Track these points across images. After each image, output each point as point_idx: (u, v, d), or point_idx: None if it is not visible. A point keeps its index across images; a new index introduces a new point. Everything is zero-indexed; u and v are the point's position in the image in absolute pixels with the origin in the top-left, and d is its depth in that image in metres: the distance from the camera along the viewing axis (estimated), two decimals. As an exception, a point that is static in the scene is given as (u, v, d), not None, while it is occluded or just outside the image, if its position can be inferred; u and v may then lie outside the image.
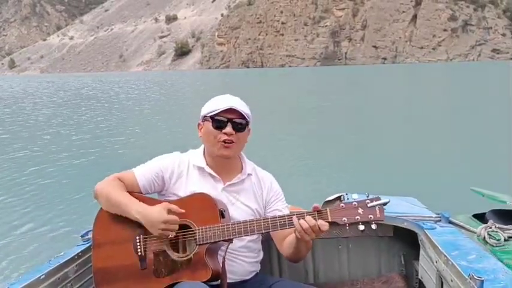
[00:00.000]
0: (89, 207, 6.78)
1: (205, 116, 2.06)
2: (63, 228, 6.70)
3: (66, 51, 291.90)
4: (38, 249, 5.98)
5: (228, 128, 2.01)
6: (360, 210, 1.81)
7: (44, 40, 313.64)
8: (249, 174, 2.16)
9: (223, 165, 2.11)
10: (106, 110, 27.35)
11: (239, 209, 2.08)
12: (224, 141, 2.02)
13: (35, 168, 11.17)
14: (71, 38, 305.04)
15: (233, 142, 2.03)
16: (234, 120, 2.02)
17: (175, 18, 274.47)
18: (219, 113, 2.01)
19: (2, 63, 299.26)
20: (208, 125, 2.04)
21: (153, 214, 1.89)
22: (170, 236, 1.89)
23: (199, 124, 2.12)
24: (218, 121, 2.01)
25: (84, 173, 10.21)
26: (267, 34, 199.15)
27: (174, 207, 1.90)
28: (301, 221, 1.82)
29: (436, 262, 2.12)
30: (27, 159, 12.53)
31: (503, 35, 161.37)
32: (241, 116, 2.03)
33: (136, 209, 1.93)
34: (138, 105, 29.84)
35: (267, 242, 2.44)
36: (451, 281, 1.91)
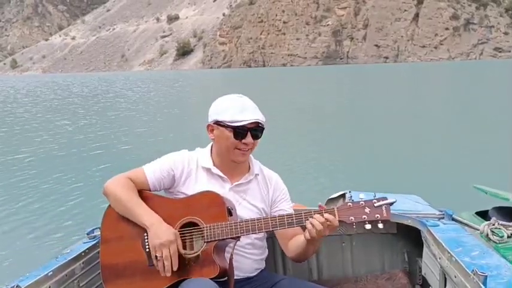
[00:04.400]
0: (94, 205, 6.91)
1: (220, 122, 2.04)
2: (69, 226, 6.77)
3: (68, 51, 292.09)
4: (45, 246, 6.05)
5: (249, 138, 2.02)
6: (367, 210, 1.83)
7: (46, 40, 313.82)
8: (256, 175, 2.18)
9: (232, 166, 2.13)
10: (111, 108, 27.41)
11: (245, 208, 2.10)
12: (241, 149, 2.04)
13: (40, 165, 11.25)
14: (73, 38, 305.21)
15: (249, 149, 2.07)
16: (253, 129, 2.02)
17: (177, 17, 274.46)
18: (243, 125, 2.00)
19: (4, 63, 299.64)
20: (227, 132, 2.03)
21: (165, 230, 1.90)
22: (158, 255, 1.87)
23: (209, 125, 2.10)
24: (239, 131, 2.01)
25: (90, 171, 10.26)
26: (268, 33, 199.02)
27: (179, 241, 1.90)
28: (312, 219, 1.86)
29: (440, 259, 2.13)
30: (32, 156, 12.60)
31: (506, 33, 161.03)
32: (259, 124, 2.04)
33: (146, 217, 1.95)
34: (142, 103, 29.91)
35: (271, 240, 2.46)
36: (455, 277, 1.91)
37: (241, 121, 1.99)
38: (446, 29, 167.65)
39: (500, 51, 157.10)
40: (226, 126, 2.02)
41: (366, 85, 44.05)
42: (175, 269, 1.88)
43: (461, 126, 15.38)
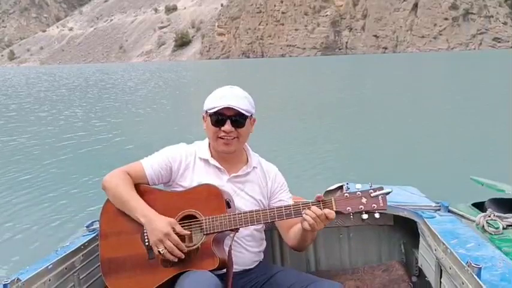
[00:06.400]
0: (93, 197, 6.91)
1: (206, 110, 2.08)
2: (69, 219, 6.76)
3: (66, 42, 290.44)
4: (44, 239, 6.07)
5: (227, 126, 2.02)
6: (364, 200, 1.84)
7: (44, 31, 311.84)
8: (254, 167, 2.17)
9: (228, 157, 2.13)
10: (112, 99, 27.33)
11: (243, 199, 2.11)
12: (223, 138, 2.04)
13: (38, 157, 11.24)
14: (71, 29, 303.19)
15: (234, 138, 2.05)
16: (233, 117, 2.02)
17: (174, 8, 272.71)
18: (217, 110, 2.01)
19: (2, 55, 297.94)
20: (209, 120, 2.06)
21: (159, 223, 1.90)
22: (160, 251, 1.88)
23: (203, 116, 2.13)
24: (217, 118, 2.03)
25: (89, 163, 10.26)
26: (267, 24, 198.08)
27: (179, 228, 1.91)
28: (308, 211, 1.85)
29: (435, 250, 2.14)
30: (31, 147, 12.60)
31: (505, 23, 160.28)
32: (241, 113, 2.03)
33: (142, 213, 1.95)
34: (133, 95, 29.82)
35: (270, 231, 2.53)
36: (450, 268, 1.93)
37: (216, 107, 2.01)
38: (446, 19, 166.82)
39: (499, 41, 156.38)
40: (207, 114, 2.07)
41: (365, 76, 43.94)
42: (184, 251, 1.89)
43: (460, 117, 15.36)
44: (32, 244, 6.01)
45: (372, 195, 1.84)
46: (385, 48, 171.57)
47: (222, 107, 2.00)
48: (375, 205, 1.83)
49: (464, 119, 14.69)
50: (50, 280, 2.01)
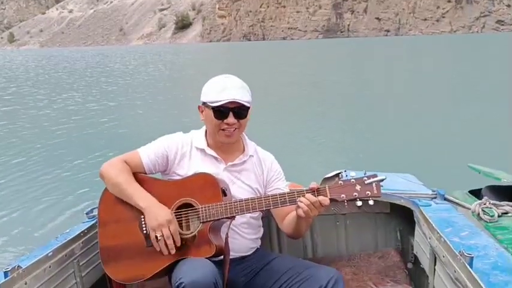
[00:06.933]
0: (93, 184, 6.83)
1: (205, 102, 2.08)
2: (68, 206, 6.70)
3: (65, 24, 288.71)
4: (44, 226, 6.03)
5: (230, 119, 2.03)
6: (358, 187, 1.86)
7: (43, 13, 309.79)
8: (250, 156, 2.19)
9: (225, 147, 2.15)
10: (110, 83, 27.18)
11: (240, 188, 2.12)
12: (225, 130, 2.05)
13: (34, 140, 11.16)
14: (70, 11, 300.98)
15: (235, 129, 2.07)
16: (235, 109, 2.03)
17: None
18: (220, 105, 2.02)
19: (2, 37, 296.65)
20: (210, 113, 2.05)
21: (161, 210, 1.93)
22: (158, 236, 1.90)
23: (199, 107, 2.13)
24: (220, 112, 2.03)
25: (89, 149, 10.14)
26: (268, 6, 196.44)
27: (176, 226, 1.93)
28: (303, 198, 1.88)
29: (430, 239, 2.16)
30: (28, 130, 12.52)
31: (508, 6, 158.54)
32: (242, 104, 2.04)
33: (142, 199, 1.98)
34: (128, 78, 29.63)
35: (267, 218, 2.54)
36: (443, 257, 1.95)
37: (219, 101, 2.01)
38: (449, 1, 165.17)
39: (502, 24, 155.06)
40: (209, 107, 2.05)
41: (365, 59, 43.67)
42: (178, 244, 1.92)
43: (458, 103, 15.22)
44: (22, 226, 6.00)
45: (366, 182, 1.85)
46: (388, 31, 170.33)
47: (227, 101, 2.00)
48: (368, 192, 1.85)
49: (463, 105, 14.53)
50: (50, 267, 2.02)
